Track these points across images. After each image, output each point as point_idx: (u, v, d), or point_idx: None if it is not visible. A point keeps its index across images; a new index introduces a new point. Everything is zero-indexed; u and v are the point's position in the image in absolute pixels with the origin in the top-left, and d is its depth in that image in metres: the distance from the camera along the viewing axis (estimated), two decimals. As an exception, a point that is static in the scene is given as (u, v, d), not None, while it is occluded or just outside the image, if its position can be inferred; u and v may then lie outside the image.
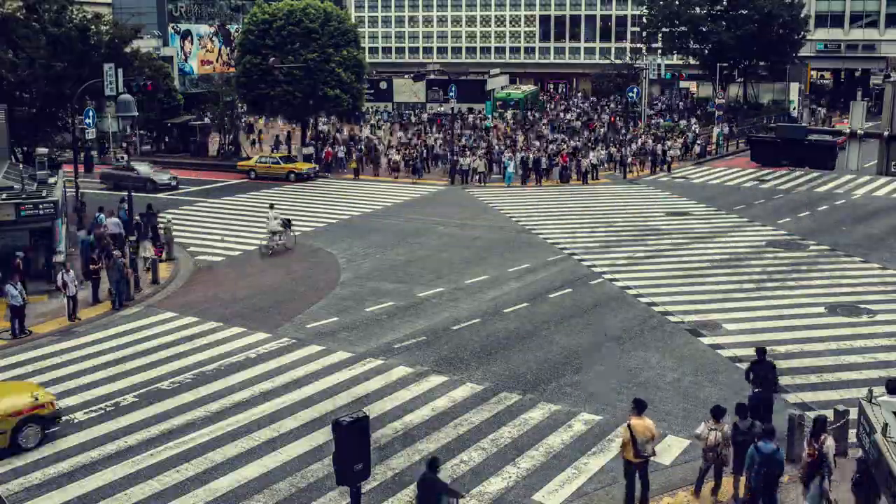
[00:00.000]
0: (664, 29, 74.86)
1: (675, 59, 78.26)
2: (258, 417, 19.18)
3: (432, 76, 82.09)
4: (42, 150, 38.13)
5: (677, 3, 72.72)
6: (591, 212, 41.35)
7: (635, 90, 66.67)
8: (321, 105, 55.38)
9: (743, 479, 15.19)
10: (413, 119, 76.34)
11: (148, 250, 31.60)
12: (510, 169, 49.83)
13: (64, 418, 19.16)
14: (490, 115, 74.75)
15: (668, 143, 56.79)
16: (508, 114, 77.45)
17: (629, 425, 15.10)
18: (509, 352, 22.93)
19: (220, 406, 19.83)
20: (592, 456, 17.32)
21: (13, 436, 17.56)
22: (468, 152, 52.92)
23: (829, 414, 17.09)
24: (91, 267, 28.00)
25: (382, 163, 55.23)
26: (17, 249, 27.48)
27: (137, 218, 33.98)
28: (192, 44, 70.49)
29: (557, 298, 27.51)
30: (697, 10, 72.33)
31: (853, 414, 15.58)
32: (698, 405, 19.55)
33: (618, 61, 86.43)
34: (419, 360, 22.45)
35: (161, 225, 34.46)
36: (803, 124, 64.87)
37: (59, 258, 28.64)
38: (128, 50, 42.68)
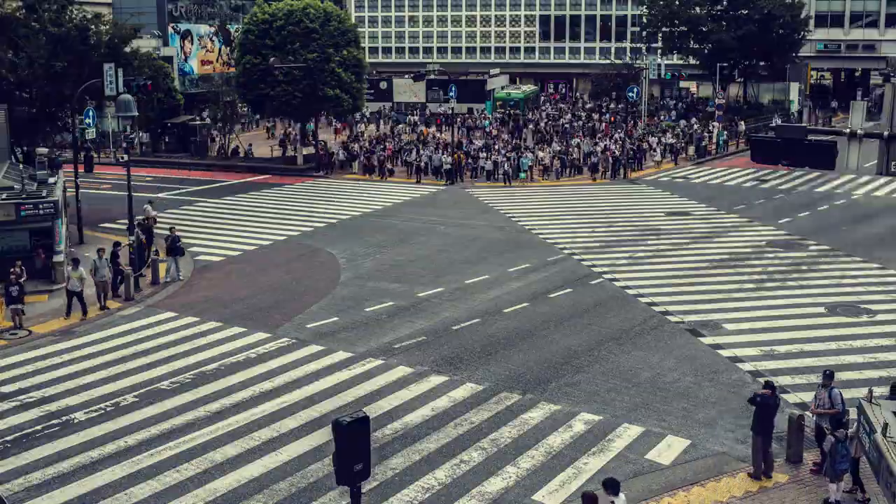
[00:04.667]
0: (664, 29, 74.79)
1: (675, 59, 78.22)
2: (258, 417, 19.19)
3: (432, 76, 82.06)
4: (42, 149, 38.17)
5: (677, 3, 72.67)
6: (591, 212, 41.34)
7: (635, 90, 66.66)
8: (321, 105, 55.37)
9: None
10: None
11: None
12: None
13: (64, 418, 19.21)
14: (490, 115, 74.85)
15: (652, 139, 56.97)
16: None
17: None
18: (509, 352, 22.92)
19: (220, 406, 19.83)
20: (592, 456, 17.33)
21: None
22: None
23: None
24: None
25: None
26: (16, 250, 27.54)
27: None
28: (192, 44, 70.50)
29: (557, 298, 27.51)
30: (697, 10, 72.29)
31: (853, 414, 15.61)
32: (698, 405, 19.56)
33: (618, 61, 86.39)
34: (419, 360, 22.45)
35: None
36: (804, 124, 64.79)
37: (59, 258, 28.66)
38: (128, 50, 42.68)
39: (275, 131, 70.75)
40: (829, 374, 16.83)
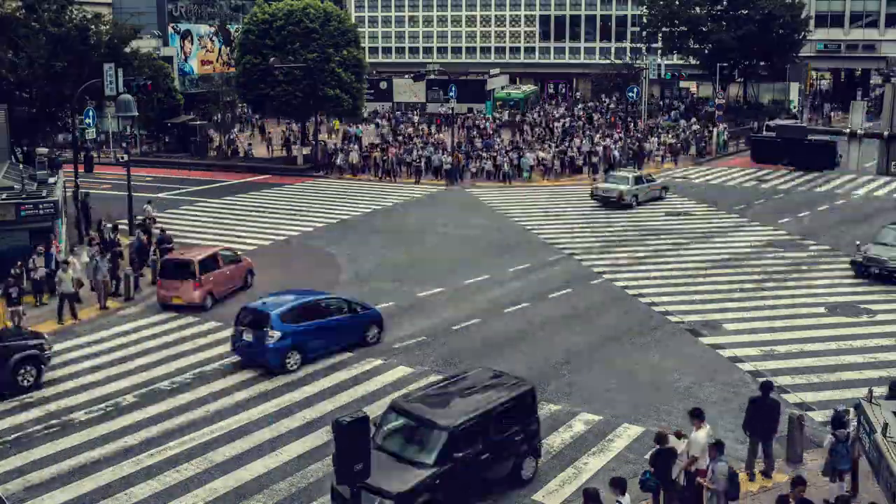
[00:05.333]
0: (664, 29, 74.81)
1: (675, 59, 78.23)
2: (258, 417, 19.19)
3: (432, 76, 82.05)
4: (42, 149, 38.17)
5: (677, 3, 72.68)
6: (591, 212, 41.32)
7: (635, 90, 66.72)
8: (321, 105, 55.36)
9: None
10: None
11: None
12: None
13: (64, 418, 19.22)
14: (490, 115, 74.83)
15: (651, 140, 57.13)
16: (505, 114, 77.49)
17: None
18: (509, 352, 22.92)
19: (220, 406, 19.84)
20: (592, 456, 17.33)
21: None
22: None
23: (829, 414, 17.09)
24: None
25: None
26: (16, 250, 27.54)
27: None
28: (192, 44, 70.53)
29: (557, 298, 27.52)
30: (697, 10, 72.29)
31: (852, 414, 15.61)
32: (698, 405, 19.51)
33: (618, 61, 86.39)
34: (419, 360, 22.44)
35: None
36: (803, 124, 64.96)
37: (60, 258, 28.64)
38: (127, 50, 42.69)
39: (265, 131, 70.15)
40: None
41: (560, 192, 46.88)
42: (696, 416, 15.21)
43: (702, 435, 14.80)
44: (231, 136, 62.17)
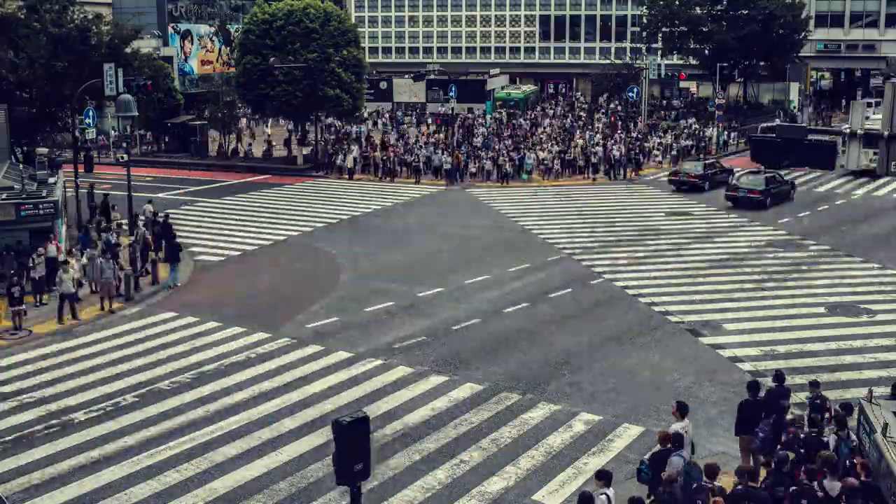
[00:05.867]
0: (664, 29, 74.81)
1: (675, 59, 78.24)
2: (258, 417, 19.19)
3: (432, 76, 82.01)
4: (42, 149, 38.16)
5: (677, 3, 72.69)
6: (591, 212, 41.33)
7: (635, 90, 66.67)
8: (321, 105, 55.37)
9: None
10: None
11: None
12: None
13: (64, 418, 19.22)
14: (490, 115, 74.84)
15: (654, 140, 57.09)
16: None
17: None
18: (509, 352, 22.94)
19: (220, 406, 19.84)
20: (592, 456, 17.33)
21: None
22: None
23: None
24: None
25: None
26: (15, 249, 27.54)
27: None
28: (192, 44, 70.54)
29: (557, 298, 27.52)
30: (697, 10, 72.30)
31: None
32: (698, 405, 19.53)
33: (618, 61, 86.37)
34: (419, 360, 22.46)
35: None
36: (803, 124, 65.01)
37: (60, 258, 28.64)
38: (128, 50, 42.68)
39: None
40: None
41: (560, 192, 46.87)
42: (679, 409, 15.22)
43: (678, 427, 14.78)
44: (267, 132, 62.82)
